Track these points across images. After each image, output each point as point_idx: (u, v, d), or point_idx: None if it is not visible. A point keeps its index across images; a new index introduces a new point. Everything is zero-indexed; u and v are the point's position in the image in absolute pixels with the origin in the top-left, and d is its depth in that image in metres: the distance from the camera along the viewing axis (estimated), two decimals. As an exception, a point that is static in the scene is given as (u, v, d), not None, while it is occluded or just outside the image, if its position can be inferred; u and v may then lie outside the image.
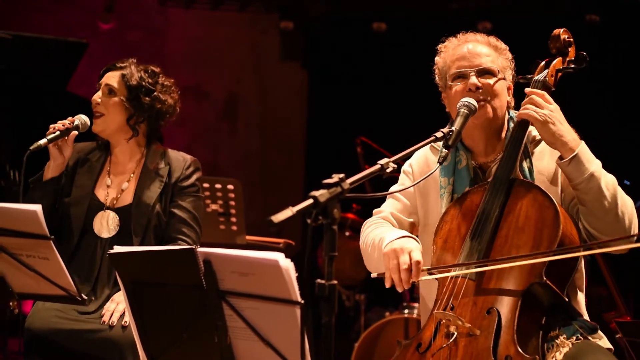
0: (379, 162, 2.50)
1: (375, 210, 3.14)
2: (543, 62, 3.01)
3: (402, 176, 3.13)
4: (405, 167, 3.13)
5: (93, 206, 3.51)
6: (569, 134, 2.78)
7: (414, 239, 2.86)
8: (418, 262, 2.73)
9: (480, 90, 2.89)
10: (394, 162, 2.51)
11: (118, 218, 3.48)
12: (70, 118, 3.53)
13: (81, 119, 3.55)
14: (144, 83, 3.56)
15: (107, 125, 3.55)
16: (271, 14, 7.91)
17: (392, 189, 3.11)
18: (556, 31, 3.00)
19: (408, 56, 7.54)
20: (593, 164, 2.77)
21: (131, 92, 3.54)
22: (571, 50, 3.01)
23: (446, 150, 2.73)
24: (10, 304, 3.37)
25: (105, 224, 3.48)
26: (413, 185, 3.00)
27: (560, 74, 2.99)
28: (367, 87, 7.65)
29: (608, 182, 2.76)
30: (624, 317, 4.43)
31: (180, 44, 7.86)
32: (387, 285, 2.79)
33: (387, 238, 2.84)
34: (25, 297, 3.25)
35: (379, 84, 7.62)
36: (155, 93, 3.59)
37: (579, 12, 6.93)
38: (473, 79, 2.91)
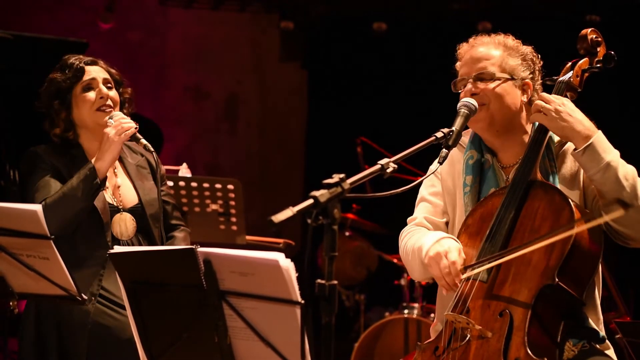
0: (379, 162, 2.49)
1: (409, 219, 3.10)
2: (569, 63, 2.97)
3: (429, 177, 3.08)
4: (433, 166, 3.06)
5: (110, 210, 3.44)
6: (580, 124, 2.75)
7: (450, 237, 2.84)
8: (453, 263, 2.72)
9: (477, 96, 2.87)
10: (394, 162, 2.51)
11: (134, 219, 3.45)
12: (124, 116, 3.43)
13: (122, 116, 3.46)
14: (120, 77, 3.57)
15: None
16: (271, 14, 7.91)
17: (421, 191, 3.09)
18: (584, 31, 2.96)
19: (408, 56, 7.57)
20: (610, 153, 2.72)
21: (118, 85, 3.53)
22: (600, 50, 2.96)
23: (446, 151, 2.72)
24: (11, 303, 3.37)
25: (124, 227, 3.43)
26: (412, 186, 2.98)
27: (586, 74, 2.94)
28: (367, 87, 7.65)
29: (627, 172, 2.72)
30: (623, 317, 4.43)
31: (180, 44, 7.86)
32: (444, 292, 2.80)
33: (425, 246, 2.83)
34: (25, 297, 3.25)
35: (379, 84, 7.62)
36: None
37: (579, 12, 6.93)
38: (468, 86, 2.90)
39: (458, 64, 3.01)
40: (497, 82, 2.89)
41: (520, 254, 2.65)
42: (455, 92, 2.98)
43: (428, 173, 3.00)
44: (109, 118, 3.42)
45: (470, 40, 3.02)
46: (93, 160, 3.36)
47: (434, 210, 3.05)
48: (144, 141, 3.44)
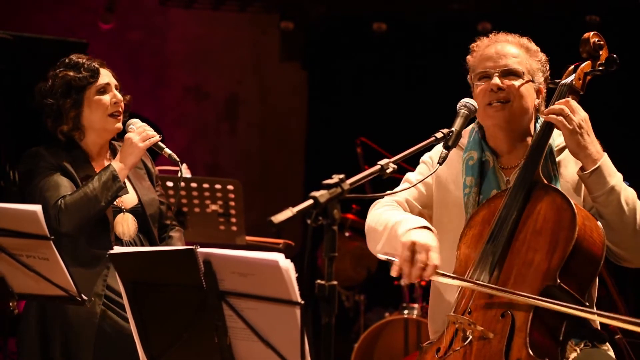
0: (379, 162, 2.49)
1: (387, 192, 2.97)
2: (572, 66, 2.97)
3: (421, 166, 3.07)
4: (425, 157, 3.06)
5: (113, 210, 3.45)
6: (593, 145, 2.76)
7: (433, 232, 2.77)
8: (435, 267, 2.65)
9: (503, 91, 2.88)
10: (394, 162, 2.51)
11: (135, 220, 3.46)
12: (145, 124, 3.46)
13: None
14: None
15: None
16: (271, 14, 7.91)
17: (409, 175, 3.05)
18: (586, 35, 2.96)
19: (408, 56, 7.57)
20: (614, 177, 2.75)
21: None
22: (603, 53, 2.97)
23: (446, 151, 2.71)
24: (10, 304, 3.37)
25: (127, 227, 3.44)
26: (411, 187, 2.98)
27: (589, 77, 2.95)
28: (367, 88, 7.65)
29: (628, 196, 2.75)
30: (623, 317, 4.42)
31: (180, 44, 7.86)
32: (394, 273, 2.70)
33: (406, 224, 2.77)
34: (25, 297, 3.25)
35: (379, 84, 7.62)
36: None
37: (579, 12, 6.93)
38: (495, 80, 2.88)
39: (471, 57, 3.00)
40: (522, 81, 2.90)
41: (510, 296, 2.62)
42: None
43: (428, 172, 2.99)
44: (129, 125, 3.46)
45: (491, 35, 3.01)
46: (113, 163, 3.37)
47: (418, 195, 3.02)
48: (168, 150, 3.46)
